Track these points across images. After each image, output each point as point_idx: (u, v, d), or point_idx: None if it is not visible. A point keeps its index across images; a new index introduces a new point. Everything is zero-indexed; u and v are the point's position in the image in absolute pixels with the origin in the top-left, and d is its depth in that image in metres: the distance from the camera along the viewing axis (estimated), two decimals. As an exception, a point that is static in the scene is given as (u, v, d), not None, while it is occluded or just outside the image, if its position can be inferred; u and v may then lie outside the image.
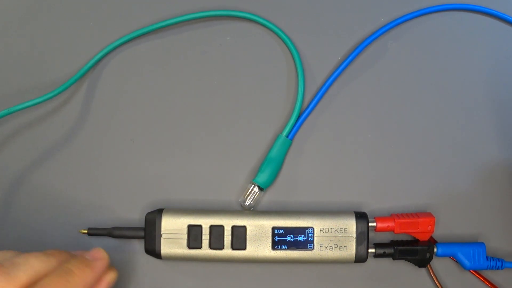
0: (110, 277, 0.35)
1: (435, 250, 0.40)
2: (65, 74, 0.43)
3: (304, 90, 0.42)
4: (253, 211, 0.41)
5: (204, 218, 0.39)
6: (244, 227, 0.39)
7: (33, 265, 0.31)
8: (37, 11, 0.44)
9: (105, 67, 0.43)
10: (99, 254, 0.35)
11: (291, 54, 0.43)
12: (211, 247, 0.39)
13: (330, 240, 0.39)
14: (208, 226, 0.39)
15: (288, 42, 0.42)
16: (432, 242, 0.41)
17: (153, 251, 0.40)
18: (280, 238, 0.39)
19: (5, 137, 0.43)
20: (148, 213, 0.40)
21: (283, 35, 0.42)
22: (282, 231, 0.39)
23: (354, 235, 0.39)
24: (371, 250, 0.40)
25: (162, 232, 0.39)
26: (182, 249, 0.39)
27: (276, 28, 0.43)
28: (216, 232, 0.39)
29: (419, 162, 0.42)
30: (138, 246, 0.42)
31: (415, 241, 0.40)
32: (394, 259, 0.40)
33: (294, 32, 0.43)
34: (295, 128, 0.42)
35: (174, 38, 0.43)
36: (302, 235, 0.39)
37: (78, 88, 0.43)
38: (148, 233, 0.40)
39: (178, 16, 0.43)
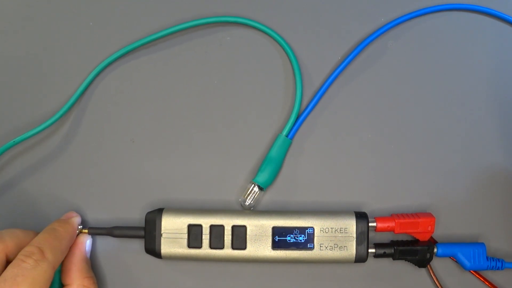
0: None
1: (435, 250, 0.40)
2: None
3: (302, 89, 0.42)
4: (253, 210, 0.41)
5: (204, 218, 0.40)
6: (244, 227, 0.39)
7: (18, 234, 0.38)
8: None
9: (108, 73, 0.43)
10: (72, 214, 0.41)
11: (287, 55, 0.43)
12: (211, 247, 0.39)
13: (330, 240, 0.39)
14: (208, 225, 0.39)
15: (284, 45, 0.42)
16: (432, 242, 0.41)
17: (153, 250, 0.40)
18: (280, 238, 0.39)
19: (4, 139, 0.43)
20: (148, 213, 0.40)
21: (279, 39, 0.42)
22: (282, 231, 0.39)
23: (354, 235, 0.39)
24: (371, 250, 0.40)
25: (162, 232, 0.39)
26: (182, 249, 0.39)
27: (273, 32, 0.43)
28: (216, 231, 0.39)
29: (419, 162, 0.42)
30: (138, 245, 0.42)
31: (415, 241, 0.40)
32: (394, 259, 0.40)
33: (294, 32, 0.43)
34: (295, 127, 0.42)
35: (174, 43, 0.43)
36: (302, 235, 0.39)
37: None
38: (148, 233, 0.40)
39: (177, 25, 0.43)
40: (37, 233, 0.38)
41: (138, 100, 0.43)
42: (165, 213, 0.40)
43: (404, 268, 0.42)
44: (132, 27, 0.43)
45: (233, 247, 0.39)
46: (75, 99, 0.42)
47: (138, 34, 0.43)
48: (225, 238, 0.39)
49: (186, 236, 0.39)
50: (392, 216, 0.40)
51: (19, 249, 0.36)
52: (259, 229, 0.39)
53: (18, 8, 0.44)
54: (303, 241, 0.39)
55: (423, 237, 0.40)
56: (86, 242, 0.40)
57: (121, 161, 0.43)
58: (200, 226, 0.39)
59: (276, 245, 0.39)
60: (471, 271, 0.41)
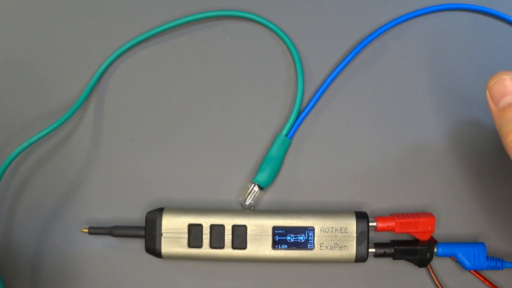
0: None
1: (435, 250, 0.40)
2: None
3: (303, 88, 0.42)
4: (254, 210, 0.41)
5: (204, 217, 0.40)
6: (244, 227, 0.39)
7: None
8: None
9: (108, 72, 0.43)
10: None
11: (290, 52, 0.43)
12: (211, 246, 0.39)
13: (331, 240, 0.39)
14: (208, 225, 0.39)
15: (288, 41, 0.42)
16: (432, 242, 0.41)
17: (153, 250, 0.40)
18: (280, 238, 0.39)
19: (7, 138, 0.43)
20: (149, 212, 0.40)
21: (282, 34, 0.43)
22: (283, 230, 0.39)
23: (355, 235, 0.39)
24: (371, 250, 0.40)
25: (162, 231, 0.39)
26: (182, 248, 0.39)
27: (276, 27, 0.43)
28: (217, 231, 0.39)
29: (419, 162, 0.42)
30: (139, 245, 0.42)
31: (415, 241, 0.40)
32: (394, 259, 0.40)
33: (294, 31, 0.43)
34: (295, 127, 0.42)
35: (173, 39, 0.43)
36: (303, 235, 0.39)
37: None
38: (149, 232, 0.40)
39: (177, 19, 0.43)
40: None
41: (138, 100, 0.43)
42: (165, 212, 0.40)
43: (404, 268, 0.42)
44: (130, 27, 0.43)
45: (234, 247, 0.39)
46: (80, 102, 0.42)
47: (136, 33, 0.43)
48: (226, 238, 0.39)
49: (186, 235, 0.39)
50: (392, 215, 0.40)
51: None
52: (259, 228, 0.39)
53: (18, 8, 0.44)
54: (303, 240, 0.39)
55: (423, 237, 0.40)
56: None
57: (121, 160, 0.43)
58: (200, 225, 0.39)
59: (276, 245, 0.39)
60: (471, 271, 0.41)
